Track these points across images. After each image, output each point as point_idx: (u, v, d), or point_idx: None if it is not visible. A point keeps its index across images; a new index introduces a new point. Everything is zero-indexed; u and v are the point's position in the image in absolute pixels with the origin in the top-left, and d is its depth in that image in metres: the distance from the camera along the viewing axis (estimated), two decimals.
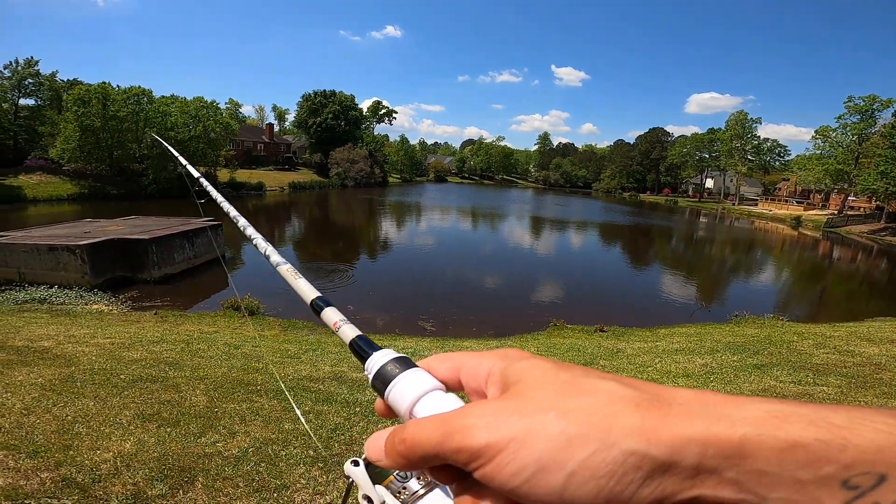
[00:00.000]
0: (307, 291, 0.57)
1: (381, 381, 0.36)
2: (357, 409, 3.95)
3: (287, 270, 0.66)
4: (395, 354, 0.38)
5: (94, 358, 5.24)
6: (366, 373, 0.38)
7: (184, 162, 2.15)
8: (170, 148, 2.72)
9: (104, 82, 34.96)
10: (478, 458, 0.26)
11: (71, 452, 3.00)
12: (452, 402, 0.32)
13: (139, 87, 36.33)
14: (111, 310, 9.87)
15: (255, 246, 0.86)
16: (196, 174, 1.81)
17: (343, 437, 3.42)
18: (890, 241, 36.38)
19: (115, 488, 2.60)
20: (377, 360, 0.37)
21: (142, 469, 2.84)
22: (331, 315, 0.50)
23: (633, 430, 0.24)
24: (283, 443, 3.27)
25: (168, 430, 3.40)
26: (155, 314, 9.43)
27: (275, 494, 2.68)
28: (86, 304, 10.06)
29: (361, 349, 0.42)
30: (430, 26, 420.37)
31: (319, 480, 2.83)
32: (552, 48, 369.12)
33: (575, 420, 0.25)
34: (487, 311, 11.96)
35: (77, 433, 3.29)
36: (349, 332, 0.46)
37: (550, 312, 11.38)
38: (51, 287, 10.79)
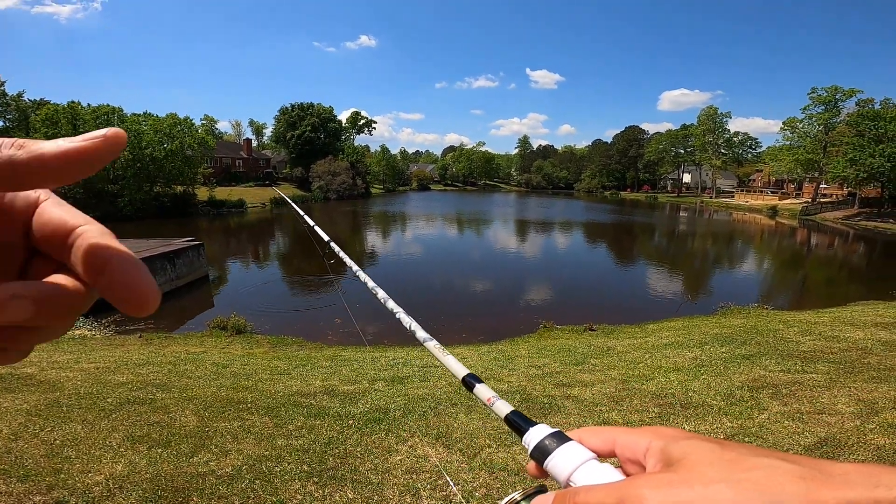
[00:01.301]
0: (457, 369, 0.61)
1: (541, 452, 0.41)
2: (350, 423, 3.91)
3: (435, 347, 0.68)
4: (550, 430, 0.43)
5: (79, 382, 5.11)
6: (524, 444, 0.44)
7: (311, 222, 2.20)
8: (295, 206, 2.74)
9: (73, 101, 34.26)
10: None
11: (62, 476, 2.95)
12: (610, 471, 0.38)
13: (108, 105, 35.69)
14: (94, 334, 9.64)
15: (399, 320, 0.84)
16: (325, 237, 1.85)
17: (337, 450, 3.38)
18: (865, 225, 37.55)
19: None
20: (535, 436, 0.43)
21: (135, 490, 2.79)
22: (483, 392, 0.54)
23: (799, 495, 0.26)
24: (277, 459, 3.22)
25: (159, 451, 3.34)
26: (139, 337, 9.23)
27: None
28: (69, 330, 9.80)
29: (518, 424, 0.47)
30: (403, 34, 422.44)
31: (315, 495, 2.79)
32: (526, 52, 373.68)
33: (744, 489, 0.28)
34: (477, 317, 11.98)
35: (67, 457, 3.23)
36: (503, 407, 0.51)
37: (539, 314, 11.44)
38: None
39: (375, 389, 4.93)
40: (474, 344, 9.00)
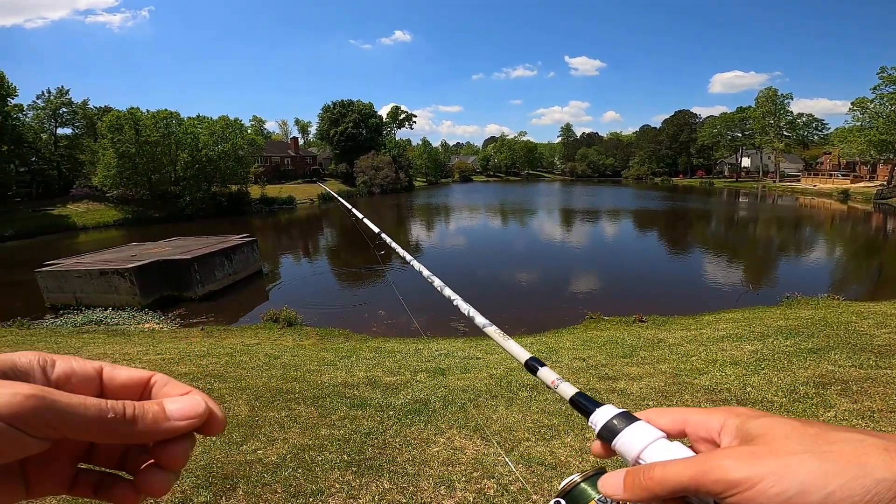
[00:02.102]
0: (519, 353, 0.60)
1: (610, 432, 0.41)
2: (390, 413, 3.97)
3: (495, 332, 0.68)
4: (617, 410, 0.42)
5: None
6: (590, 424, 0.43)
7: (359, 215, 2.34)
8: (342, 200, 2.84)
9: (133, 107, 36.41)
10: (735, 487, 0.30)
11: None
12: (680, 448, 0.38)
13: (166, 110, 37.64)
14: (161, 328, 10.34)
15: (457, 307, 0.84)
16: (376, 230, 1.92)
17: (376, 440, 3.44)
18: None
19: (164, 496, 2.70)
20: (603, 416, 0.43)
21: (189, 477, 2.95)
22: (547, 375, 0.54)
23: (884, 464, 0.28)
24: (320, 448, 3.32)
25: (213, 439, 3.52)
26: (201, 330, 9.81)
27: (310, 499, 2.72)
28: (138, 324, 10.59)
29: (584, 405, 0.46)
30: (437, 28, 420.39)
31: (353, 484, 2.85)
32: (563, 39, 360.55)
33: (829, 458, 0.29)
34: (520, 308, 11.84)
35: None
36: (567, 389, 0.50)
37: (585, 305, 11.14)
38: (105, 309, 11.45)
39: (417, 381, 4.97)
40: (517, 335, 8.89)
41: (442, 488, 2.77)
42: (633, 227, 29.88)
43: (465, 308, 0.80)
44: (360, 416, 3.90)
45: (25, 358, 0.33)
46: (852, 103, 45.60)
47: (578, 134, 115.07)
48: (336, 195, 4.57)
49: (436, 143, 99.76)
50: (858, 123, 45.06)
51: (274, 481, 2.89)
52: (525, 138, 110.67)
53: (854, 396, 3.92)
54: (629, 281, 15.28)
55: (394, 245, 1.50)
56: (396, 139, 77.68)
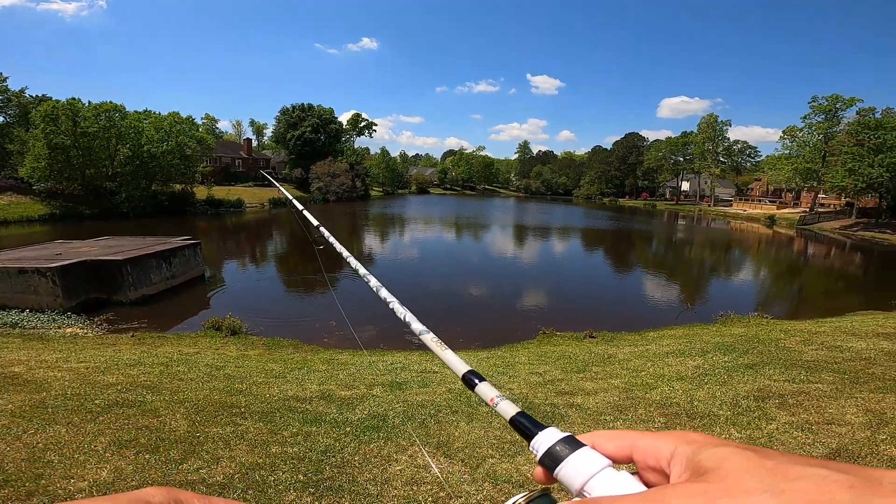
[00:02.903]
0: (457, 364, 0.57)
1: (552, 459, 0.38)
2: (347, 430, 3.78)
3: (432, 340, 0.63)
4: (561, 434, 0.39)
5: (66, 383, 4.97)
6: (532, 450, 0.40)
7: (300, 207, 2.17)
8: (282, 189, 2.68)
9: (74, 98, 33.97)
10: None
11: (43, 481, 2.83)
12: (629, 481, 0.35)
13: (111, 102, 35.44)
14: (86, 333, 9.48)
15: (394, 311, 0.79)
16: (315, 222, 1.82)
17: (334, 459, 3.25)
18: (862, 235, 37.61)
19: None
20: (545, 440, 0.39)
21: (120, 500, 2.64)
22: (487, 391, 0.50)
23: None
24: (272, 468, 3.09)
25: (147, 456, 3.21)
26: (132, 336, 9.07)
27: None
28: (59, 328, 9.65)
29: (526, 427, 0.43)
30: (405, 37, 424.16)
31: None
32: (527, 57, 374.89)
33: (790, 500, 0.26)
34: (475, 322, 11.85)
35: (49, 461, 3.10)
36: (508, 409, 0.46)
37: (539, 320, 11.33)
38: (22, 311, 10.39)
39: (373, 395, 4.80)
40: (473, 349, 8.87)
41: None
42: (581, 245, 30.99)
43: (402, 312, 0.76)
44: (314, 432, 3.69)
45: (158, 497, 0.31)
46: (783, 131, 49.83)
47: (535, 151, 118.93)
48: (276, 182, 4.42)
49: (395, 153, 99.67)
50: (787, 151, 49.21)
51: None
52: (483, 153, 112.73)
53: (791, 409, 4.17)
54: (580, 297, 15.75)
55: (332, 240, 1.45)
56: (355, 147, 76.75)
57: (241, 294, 14.68)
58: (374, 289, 0.91)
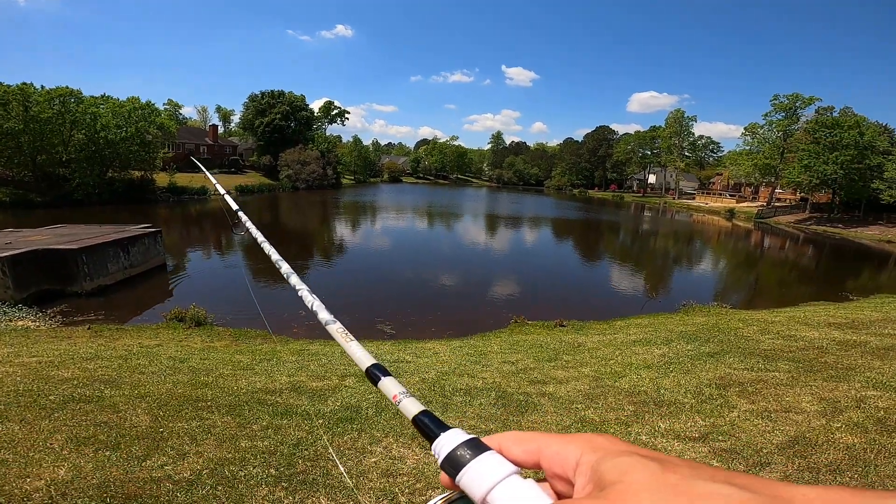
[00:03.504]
0: (362, 357, 0.54)
1: (452, 465, 0.36)
2: (319, 422, 3.72)
3: (337, 331, 0.61)
4: (464, 437, 0.37)
5: (18, 378, 4.70)
6: (433, 453, 0.38)
7: (222, 191, 2.10)
8: (208, 173, 2.56)
9: (25, 83, 31.86)
10: None
11: None
12: (534, 490, 0.32)
13: (66, 87, 33.38)
14: (38, 326, 8.98)
15: (301, 298, 0.76)
16: (234, 206, 1.76)
17: (307, 452, 3.19)
18: (815, 229, 39.67)
19: None
20: (446, 443, 0.37)
21: (80, 498, 2.53)
22: (390, 387, 0.48)
23: None
24: (241, 462, 3.01)
25: (107, 453, 3.06)
26: (88, 329, 8.64)
27: None
28: (9, 321, 9.11)
29: (427, 428, 0.40)
30: (381, 26, 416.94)
31: (285, 502, 2.61)
32: (502, 48, 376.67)
33: None
34: (447, 311, 11.88)
35: (3, 460, 2.93)
36: (411, 407, 0.44)
37: (510, 309, 11.45)
38: None
39: (346, 386, 4.74)
40: (445, 338, 8.89)
41: (385, 502, 2.62)
42: (551, 234, 31.47)
43: (310, 300, 0.74)
44: (285, 425, 3.61)
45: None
46: (745, 128, 51.80)
47: (508, 142, 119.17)
48: (198, 162, 4.29)
49: (367, 142, 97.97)
50: (748, 147, 51.25)
51: (190, 501, 2.55)
52: (457, 143, 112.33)
53: (751, 397, 4.36)
54: (549, 286, 16.01)
55: (249, 225, 1.43)
56: (327, 135, 75.06)
57: (206, 284, 14.21)
58: (286, 275, 0.89)
